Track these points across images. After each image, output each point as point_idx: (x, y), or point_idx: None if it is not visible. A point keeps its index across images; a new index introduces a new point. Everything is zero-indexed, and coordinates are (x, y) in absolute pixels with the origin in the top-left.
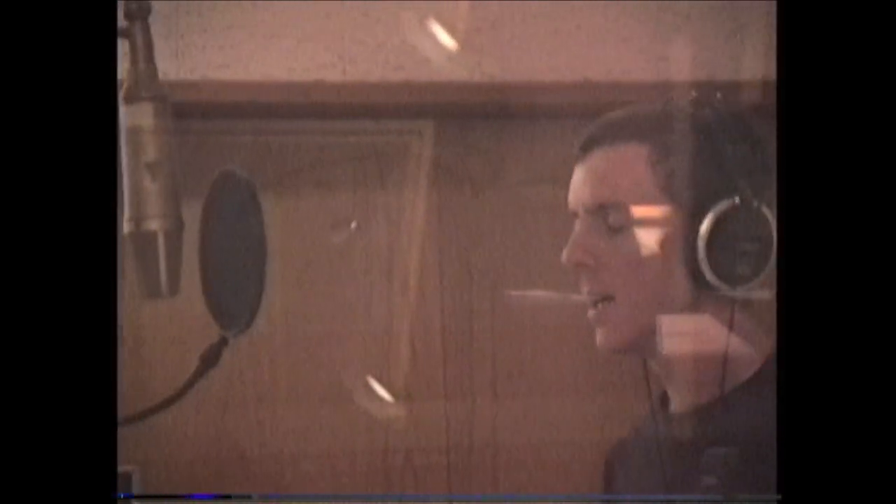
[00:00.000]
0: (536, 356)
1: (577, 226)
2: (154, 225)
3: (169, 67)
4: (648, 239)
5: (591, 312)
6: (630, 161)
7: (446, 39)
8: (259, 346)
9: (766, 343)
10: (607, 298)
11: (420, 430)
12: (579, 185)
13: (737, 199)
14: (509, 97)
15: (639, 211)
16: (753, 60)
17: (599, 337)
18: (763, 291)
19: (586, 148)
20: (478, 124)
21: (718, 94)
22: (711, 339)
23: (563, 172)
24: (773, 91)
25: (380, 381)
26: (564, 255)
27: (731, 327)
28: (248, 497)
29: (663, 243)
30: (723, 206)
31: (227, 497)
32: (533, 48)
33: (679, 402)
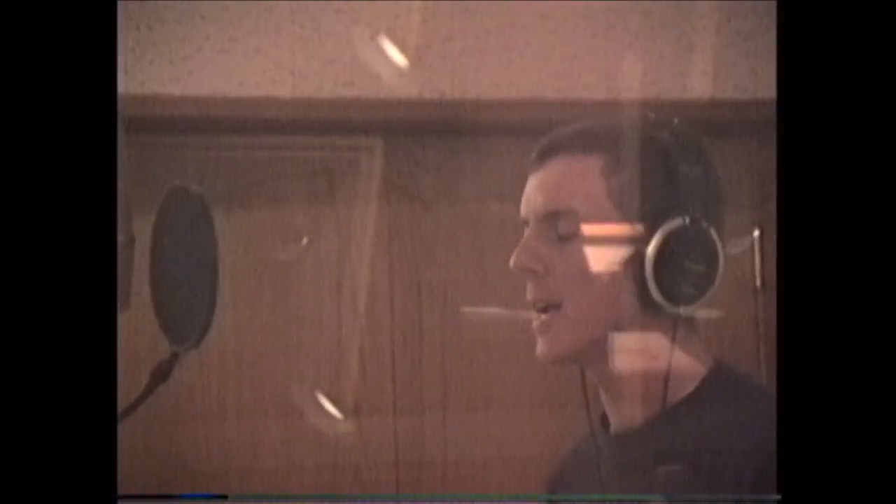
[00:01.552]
0: (486, 372)
1: (527, 232)
2: None
3: (118, 81)
4: (597, 250)
5: (535, 322)
6: (585, 171)
7: (397, 56)
8: (209, 361)
9: (706, 358)
10: (553, 306)
11: (369, 445)
12: (532, 192)
13: (686, 219)
14: (459, 114)
15: (589, 221)
16: (702, 78)
17: (541, 346)
18: (704, 309)
19: (542, 156)
20: (428, 141)
21: (676, 120)
22: (654, 356)
23: (512, 189)
24: (719, 109)
25: (329, 396)
26: (512, 260)
27: (673, 344)
28: (249, 497)
29: (611, 256)
30: (672, 224)
31: (225, 497)
32: (483, 65)
33: (618, 422)
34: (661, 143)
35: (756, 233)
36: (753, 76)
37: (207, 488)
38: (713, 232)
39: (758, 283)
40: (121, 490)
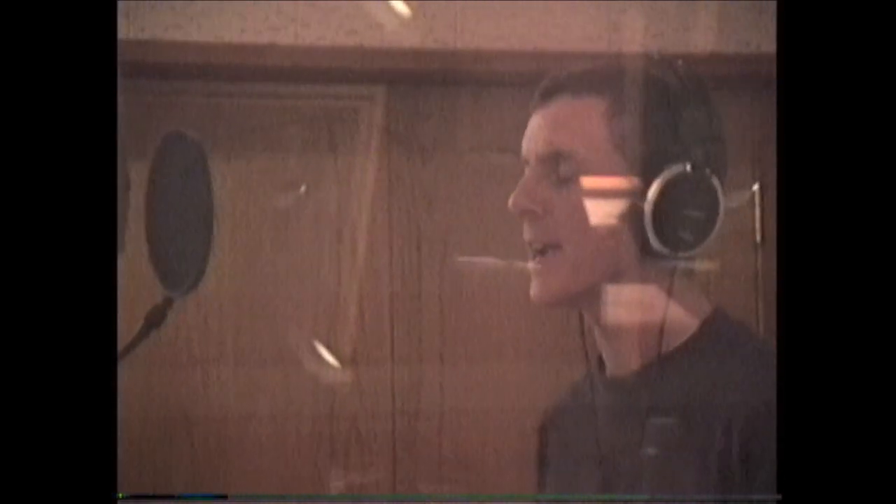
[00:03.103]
0: (485, 321)
1: (527, 173)
2: None
3: (119, 26)
4: (597, 193)
5: (531, 263)
6: (588, 113)
7: (399, 5)
8: (207, 309)
9: (704, 305)
10: (550, 247)
11: (366, 394)
12: (534, 132)
13: (688, 166)
14: (461, 64)
15: (590, 164)
16: (706, 32)
17: (536, 288)
18: (703, 261)
19: (545, 96)
20: (429, 90)
21: (680, 61)
22: (651, 301)
23: (513, 140)
24: (722, 63)
25: (327, 345)
26: (511, 200)
27: (670, 290)
28: (249, 497)
29: (611, 200)
30: (673, 170)
31: (225, 497)
32: (485, 16)
33: (616, 362)
34: (664, 85)
35: (756, 187)
36: (757, 30)
37: (204, 434)
38: (714, 179)
39: (758, 237)
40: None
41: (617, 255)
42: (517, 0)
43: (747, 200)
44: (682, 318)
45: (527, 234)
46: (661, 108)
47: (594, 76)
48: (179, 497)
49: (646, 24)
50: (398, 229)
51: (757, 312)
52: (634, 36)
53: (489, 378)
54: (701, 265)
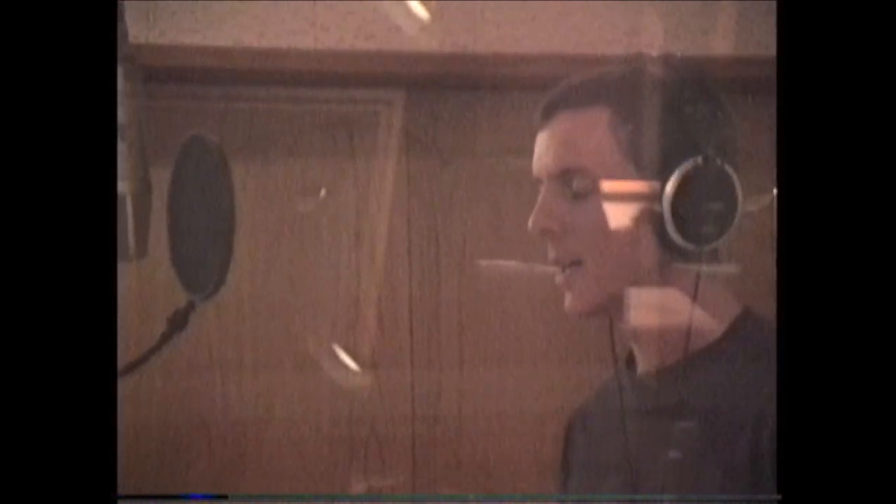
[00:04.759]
0: (503, 326)
1: (542, 192)
2: (122, 187)
3: (139, 31)
4: (613, 203)
5: (558, 277)
6: (591, 125)
7: (418, 9)
8: (226, 313)
9: (733, 303)
10: (575, 263)
11: (385, 398)
12: (542, 151)
13: (700, 159)
14: (479, 68)
15: (602, 176)
16: (723, 36)
17: (568, 301)
18: (727, 261)
19: (547, 114)
20: (448, 94)
21: (678, 54)
22: (678, 303)
23: (531, 143)
24: (741, 66)
25: (346, 349)
26: (530, 222)
27: (697, 291)
28: (250, 497)
29: (628, 207)
30: (686, 166)
31: (225, 497)
32: (504, 20)
33: (645, 363)
34: (663, 83)
35: (775, 190)
36: (775, 33)
37: (222, 438)
38: (728, 168)
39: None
40: (134, 440)
41: (642, 260)
42: (535, 2)
43: (766, 203)
44: (709, 319)
45: (550, 253)
46: (664, 106)
47: (592, 86)
48: (179, 497)
49: (664, 28)
50: (417, 233)
51: (778, 314)
52: (652, 39)
53: (508, 382)
54: (722, 267)
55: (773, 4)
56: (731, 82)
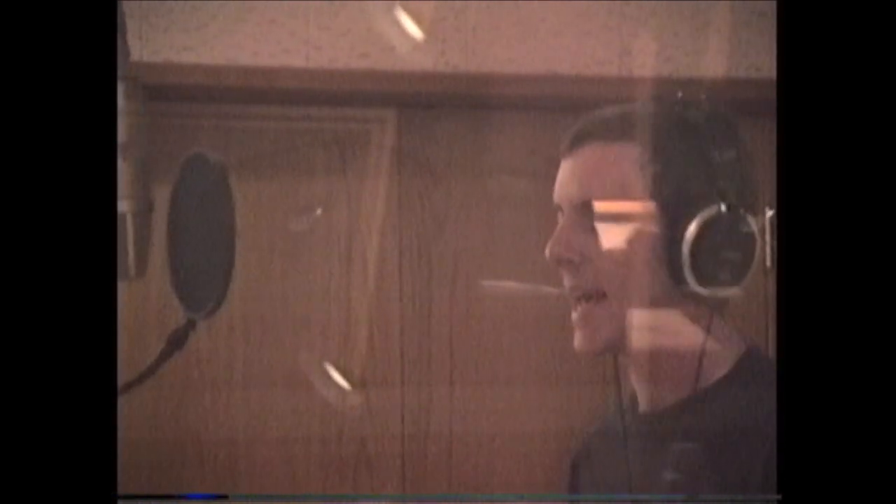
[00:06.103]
0: (494, 346)
1: (562, 221)
2: (123, 206)
3: (133, 49)
4: (633, 239)
5: (574, 313)
6: (619, 160)
7: (411, 28)
8: (218, 330)
9: (738, 342)
10: (598, 295)
11: (376, 418)
12: (566, 179)
13: (722, 207)
14: (473, 88)
15: (625, 210)
16: (717, 56)
17: (581, 339)
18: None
19: (575, 143)
20: (441, 114)
21: (704, 96)
22: (687, 340)
23: (524, 163)
24: (734, 87)
25: (337, 367)
26: (547, 250)
27: (708, 331)
28: (250, 497)
29: (647, 244)
30: (709, 212)
31: (226, 497)
32: (497, 39)
33: (648, 401)
34: (692, 125)
35: (770, 213)
36: (768, 55)
37: (212, 455)
38: (749, 218)
39: (768, 262)
40: (129, 458)
41: (655, 299)
42: (528, 22)
43: (760, 227)
44: (717, 356)
45: (566, 282)
46: (691, 148)
47: (622, 120)
48: (179, 497)
49: (657, 49)
50: (408, 252)
51: (767, 338)
52: (646, 60)
53: (499, 402)
54: (735, 298)
55: (767, 26)
56: (724, 104)
